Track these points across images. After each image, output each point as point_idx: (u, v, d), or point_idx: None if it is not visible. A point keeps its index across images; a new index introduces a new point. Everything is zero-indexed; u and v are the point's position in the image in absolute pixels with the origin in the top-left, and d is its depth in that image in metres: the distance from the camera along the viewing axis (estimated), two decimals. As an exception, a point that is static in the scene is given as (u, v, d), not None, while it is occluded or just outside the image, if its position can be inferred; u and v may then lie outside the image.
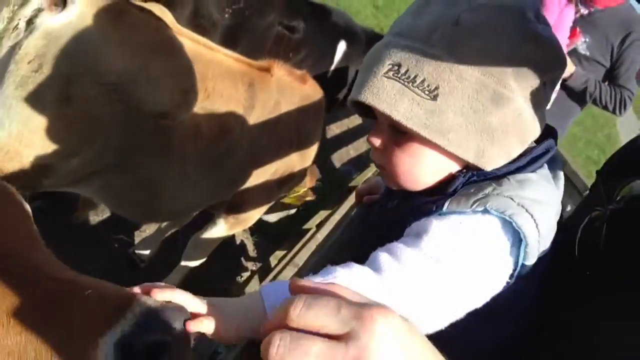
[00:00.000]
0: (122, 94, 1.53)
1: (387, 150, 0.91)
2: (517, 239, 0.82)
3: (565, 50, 3.21)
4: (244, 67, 2.04)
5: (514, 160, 0.88)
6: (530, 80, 0.83)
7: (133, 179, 1.87)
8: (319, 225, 2.95)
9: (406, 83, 0.81)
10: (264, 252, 3.18)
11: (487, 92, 0.80)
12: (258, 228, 3.05)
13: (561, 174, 0.97)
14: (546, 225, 0.83)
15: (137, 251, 2.87)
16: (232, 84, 1.94)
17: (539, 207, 0.82)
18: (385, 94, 0.82)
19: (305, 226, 3.08)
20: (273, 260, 3.03)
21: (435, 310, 0.81)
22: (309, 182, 2.86)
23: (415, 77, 0.80)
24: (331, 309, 0.53)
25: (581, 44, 3.29)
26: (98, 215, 3.00)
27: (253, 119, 2.09)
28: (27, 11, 1.46)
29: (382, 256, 0.81)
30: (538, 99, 0.86)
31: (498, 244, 0.82)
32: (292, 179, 2.57)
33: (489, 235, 0.81)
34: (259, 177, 2.33)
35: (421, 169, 0.89)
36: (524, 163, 0.88)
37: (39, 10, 1.43)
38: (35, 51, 1.41)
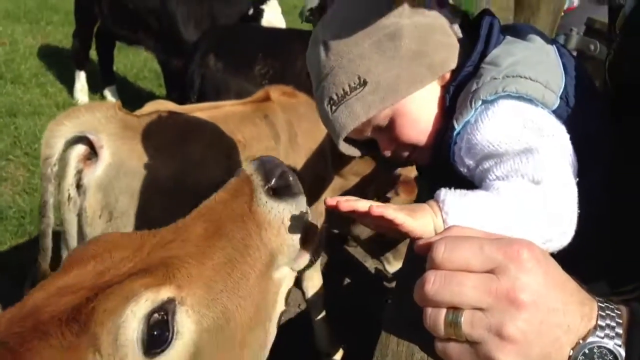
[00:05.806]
0: (182, 187, 1.62)
1: (396, 142, 1.03)
2: (527, 100, 0.88)
3: None
4: (250, 105, 2.11)
5: (472, 48, 0.96)
6: (399, 8, 0.94)
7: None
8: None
9: (344, 100, 0.96)
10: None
11: (383, 42, 0.93)
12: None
13: (533, 37, 0.99)
14: (542, 71, 0.89)
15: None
16: (253, 125, 2.01)
17: (520, 66, 0.88)
18: (344, 119, 0.97)
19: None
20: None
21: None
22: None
23: (343, 90, 0.96)
24: (475, 248, 0.58)
25: None
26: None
27: (284, 145, 2.13)
28: (70, 180, 1.56)
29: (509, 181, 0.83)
30: (417, 6, 0.96)
31: (524, 114, 0.87)
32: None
33: (512, 113, 0.87)
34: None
35: (419, 120, 0.99)
36: (482, 46, 0.96)
37: (80, 172, 1.53)
38: (100, 205, 1.51)
